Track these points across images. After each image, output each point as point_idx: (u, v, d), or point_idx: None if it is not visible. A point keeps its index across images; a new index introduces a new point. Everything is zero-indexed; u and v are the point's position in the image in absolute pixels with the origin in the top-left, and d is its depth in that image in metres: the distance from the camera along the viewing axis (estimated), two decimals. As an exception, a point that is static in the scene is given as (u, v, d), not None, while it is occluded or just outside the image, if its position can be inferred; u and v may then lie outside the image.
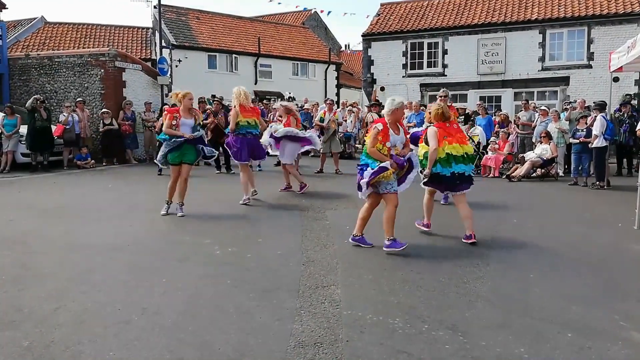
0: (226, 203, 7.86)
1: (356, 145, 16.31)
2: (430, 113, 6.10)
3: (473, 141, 11.95)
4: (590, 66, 19.74)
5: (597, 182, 10.05)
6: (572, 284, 4.44)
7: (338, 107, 17.06)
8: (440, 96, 8.23)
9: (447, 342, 3.26)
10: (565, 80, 20.21)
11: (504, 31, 21.10)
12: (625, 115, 11.97)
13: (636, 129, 8.57)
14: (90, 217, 7.09)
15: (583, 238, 6.19)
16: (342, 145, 14.17)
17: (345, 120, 15.64)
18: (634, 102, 12.81)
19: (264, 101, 19.65)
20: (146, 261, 5.11)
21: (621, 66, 8.74)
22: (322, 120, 12.50)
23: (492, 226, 6.61)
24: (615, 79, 10.56)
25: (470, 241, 5.55)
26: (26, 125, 12.24)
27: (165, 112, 7.24)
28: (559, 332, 3.43)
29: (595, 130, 9.91)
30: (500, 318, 3.67)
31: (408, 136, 5.68)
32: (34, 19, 26.68)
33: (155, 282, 4.37)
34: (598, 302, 4.02)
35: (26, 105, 12.32)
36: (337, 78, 31.37)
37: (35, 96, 12.56)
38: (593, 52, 19.71)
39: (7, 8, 17.23)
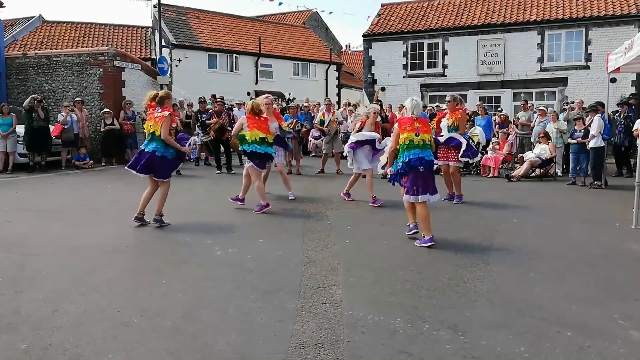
0: (226, 203, 7.84)
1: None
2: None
3: (473, 141, 11.96)
4: (588, 67, 19.79)
5: (595, 182, 10.07)
6: (572, 283, 4.44)
7: (339, 108, 17.06)
8: (448, 101, 8.62)
9: (447, 342, 3.26)
10: (564, 81, 20.24)
11: (503, 32, 21.11)
12: (622, 115, 11.96)
13: (633, 129, 8.58)
14: (89, 218, 7.08)
15: (582, 237, 6.20)
16: (343, 146, 14.13)
17: (346, 120, 15.64)
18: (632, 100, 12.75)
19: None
20: (146, 262, 5.11)
21: (618, 67, 8.76)
22: (322, 122, 12.49)
23: (492, 226, 6.63)
24: (613, 80, 10.58)
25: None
26: (23, 125, 12.19)
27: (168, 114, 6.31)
28: (559, 332, 3.43)
29: (593, 131, 9.94)
30: (501, 318, 3.67)
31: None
32: (32, 17, 26.62)
33: (155, 284, 4.36)
34: (597, 302, 4.02)
35: (23, 105, 12.23)
36: (338, 78, 31.39)
37: (33, 95, 12.47)
38: (591, 54, 19.74)
39: (4, 6, 17.12)
